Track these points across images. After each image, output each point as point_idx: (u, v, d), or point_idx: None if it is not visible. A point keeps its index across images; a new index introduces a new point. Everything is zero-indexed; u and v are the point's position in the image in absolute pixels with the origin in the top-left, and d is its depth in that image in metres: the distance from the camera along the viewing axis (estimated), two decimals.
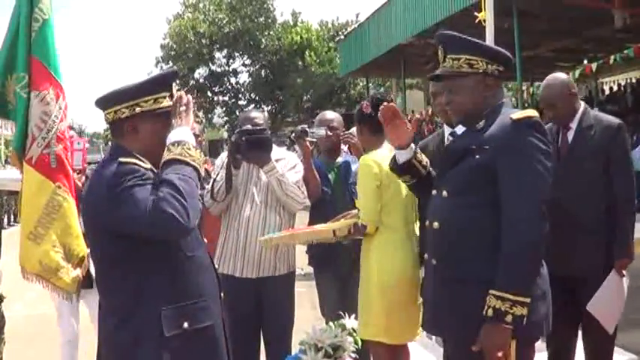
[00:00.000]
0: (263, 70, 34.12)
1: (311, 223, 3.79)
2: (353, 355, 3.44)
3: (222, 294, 2.45)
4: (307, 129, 3.89)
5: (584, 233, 3.37)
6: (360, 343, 3.43)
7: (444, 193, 2.49)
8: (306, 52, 31.27)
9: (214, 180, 3.69)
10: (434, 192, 2.58)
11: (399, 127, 2.75)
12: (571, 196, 3.37)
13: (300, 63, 31.87)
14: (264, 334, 3.76)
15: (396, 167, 2.80)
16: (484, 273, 2.30)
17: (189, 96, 2.37)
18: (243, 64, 35.00)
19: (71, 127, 3.83)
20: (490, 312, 2.26)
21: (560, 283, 3.38)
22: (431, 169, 2.79)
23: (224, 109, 35.23)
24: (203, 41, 32.74)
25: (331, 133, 3.97)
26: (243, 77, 39.92)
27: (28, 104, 3.56)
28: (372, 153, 3.25)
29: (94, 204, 2.23)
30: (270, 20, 33.58)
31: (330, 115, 4.21)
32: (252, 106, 33.01)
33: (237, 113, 29.48)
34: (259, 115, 3.82)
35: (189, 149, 2.23)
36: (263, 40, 33.00)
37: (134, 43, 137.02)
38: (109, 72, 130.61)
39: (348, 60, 20.87)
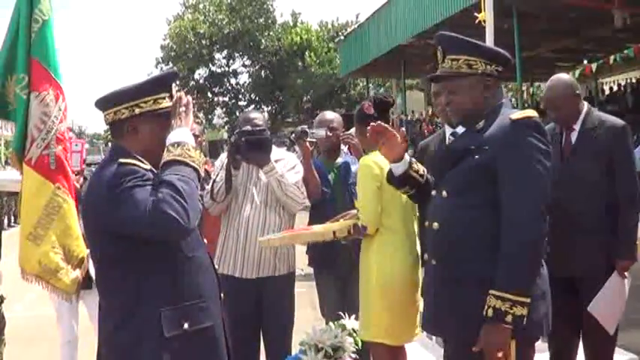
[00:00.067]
0: (263, 71, 34.15)
1: (311, 223, 3.79)
2: (353, 356, 3.44)
3: (222, 294, 2.45)
4: (307, 129, 3.89)
5: (586, 234, 3.36)
6: (360, 343, 3.43)
7: (444, 193, 2.49)
8: (306, 53, 31.29)
9: (214, 181, 3.69)
10: (433, 192, 2.58)
11: (389, 141, 2.72)
12: (573, 197, 3.37)
13: (300, 63, 31.89)
14: (264, 334, 3.76)
15: (394, 180, 2.79)
16: (484, 273, 2.30)
17: (189, 97, 2.37)
18: (243, 65, 35.07)
19: (70, 129, 3.83)
20: (490, 312, 2.26)
21: (562, 283, 3.39)
22: (429, 176, 2.77)
23: (224, 109, 35.27)
24: (203, 42, 32.78)
25: (331, 134, 3.97)
26: (243, 78, 39.97)
27: (28, 105, 3.56)
28: (373, 154, 3.24)
29: (93, 204, 2.23)
30: (270, 21, 33.62)
31: (329, 115, 4.21)
32: (252, 106, 33.07)
33: (238, 114, 29.50)
34: (259, 116, 3.82)
35: (189, 150, 2.23)
36: (263, 40, 33.03)
37: (134, 43, 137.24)
38: (109, 72, 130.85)
39: (348, 60, 20.89)
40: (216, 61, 34.54)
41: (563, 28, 14.32)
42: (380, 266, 3.14)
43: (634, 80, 17.25)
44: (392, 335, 3.16)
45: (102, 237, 2.23)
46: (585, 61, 16.43)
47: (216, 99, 35.27)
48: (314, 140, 3.94)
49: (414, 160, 2.79)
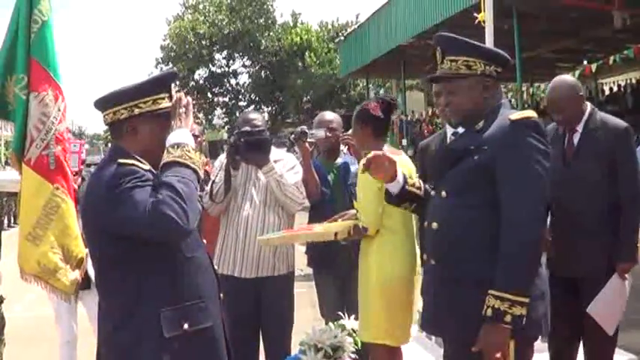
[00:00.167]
0: (263, 71, 34.15)
1: (310, 223, 3.78)
2: (352, 356, 3.44)
3: (221, 295, 2.45)
4: (306, 130, 3.89)
5: (587, 235, 3.36)
6: (359, 343, 3.43)
7: (443, 193, 2.49)
8: (306, 53, 31.28)
9: (213, 181, 3.70)
10: (433, 192, 2.58)
11: (379, 165, 2.65)
12: (575, 198, 3.37)
13: (300, 64, 31.88)
14: (264, 334, 3.77)
15: (393, 200, 2.77)
16: (483, 273, 2.30)
17: (189, 98, 2.38)
18: (243, 65, 35.07)
19: (69, 130, 3.83)
20: (489, 312, 2.26)
21: (563, 283, 3.40)
22: (426, 186, 2.76)
23: (224, 110, 35.27)
24: (203, 42, 32.77)
25: (330, 134, 3.98)
26: (243, 78, 40.01)
27: (27, 105, 3.57)
28: None
29: (93, 205, 2.23)
30: (270, 21, 33.61)
31: (329, 116, 4.21)
32: (252, 107, 33.07)
33: (237, 114, 29.50)
34: (258, 117, 3.82)
35: (188, 152, 2.23)
36: (263, 41, 33.02)
37: (134, 44, 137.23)
38: (109, 73, 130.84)
39: (348, 61, 20.88)
40: (216, 62, 34.54)
41: (563, 29, 14.31)
42: (380, 266, 3.14)
43: (634, 81, 17.22)
44: (392, 336, 3.16)
45: (101, 237, 2.23)
46: (585, 62, 16.40)
47: (216, 99, 35.27)
48: (313, 141, 3.94)
49: (406, 174, 2.76)
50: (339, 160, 4.12)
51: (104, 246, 2.24)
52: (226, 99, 35.37)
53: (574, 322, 3.48)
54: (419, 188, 2.72)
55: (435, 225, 2.50)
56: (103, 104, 2.34)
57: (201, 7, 33.74)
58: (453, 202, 2.45)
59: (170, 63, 32.56)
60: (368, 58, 18.52)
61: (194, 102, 2.40)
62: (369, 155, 2.61)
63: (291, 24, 33.91)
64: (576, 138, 3.47)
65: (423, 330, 2.90)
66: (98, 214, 2.20)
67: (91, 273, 3.42)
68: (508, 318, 2.24)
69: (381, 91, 27.45)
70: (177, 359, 2.19)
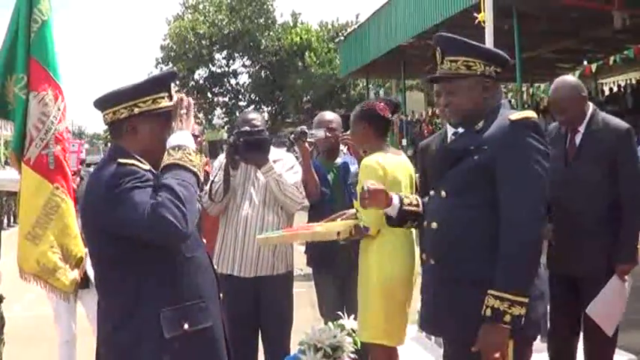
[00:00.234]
0: (263, 71, 34.16)
1: (309, 223, 3.78)
2: (352, 356, 3.44)
3: (220, 295, 2.45)
4: (306, 130, 3.89)
5: (587, 235, 3.37)
6: (359, 343, 3.43)
7: (443, 193, 2.49)
8: (306, 53, 31.29)
9: (212, 181, 3.70)
10: (432, 192, 2.58)
11: (379, 198, 2.64)
12: (576, 198, 3.38)
13: (300, 64, 31.89)
14: (263, 333, 3.77)
15: (394, 222, 2.76)
16: (482, 273, 2.30)
17: (190, 99, 2.37)
18: (243, 65, 35.08)
19: (68, 130, 3.84)
20: (489, 312, 2.26)
21: (564, 282, 3.40)
22: (423, 201, 2.75)
23: (224, 109, 35.28)
24: (203, 42, 32.78)
25: (330, 134, 3.97)
26: (243, 78, 40.00)
27: (27, 105, 3.57)
28: (375, 154, 3.22)
29: (92, 204, 2.23)
30: (270, 21, 33.62)
31: (328, 116, 4.20)
32: (252, 107, 33.08)
33: (237, 114, 29.50)
34: (257, 117, 3.82)
35: (189, 154, 2.23)
36: (263, 41, 33.03)
37: (134, 43, 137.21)
38: (109, 73, 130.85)
39: (348, 61, 20.89)
40: (216, 62, 34.55)
41: (563, 29, 14.32)
42: (380, 266, 3.14)
43: (634, 81, 17.23)
44: (390, 336, 3.16)
45: (100, 237, 2.23)
46: (585, 62, 16.41)
47: (216, 99, 35.28)
48: (313, 141, 3.94)
49: (402, 195, 2.75)
50: (339, 160, 4.12)
51: (103, 246, 2.24)
52: (226, 99, 35.38)
53: (573, 322, 3.48)
54: (417, 205, 2.71)
55: (434, 225, 2.50)
56: (102, 104, 2.34)
57: (201, 6, 33.75)
58: (453, 202, 2.45)
59: (170, 63, 32.58)
60: (368, 58, 18.53)
61: (194, 102, 2.40)
62: (366, 189, 2.60)
63: (291, 24, 33.92)
64: (578, 138, 3.47)
65: (422, 330, 2.89)
66: (97, 213, 2.19)
67: (90, 272, 3.42)
68: (507, 318, 2.24)
69: (381, 91, 27.48)
70: (177, 359, 2.19)
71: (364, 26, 19.21)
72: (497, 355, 2.25)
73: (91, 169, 3.68)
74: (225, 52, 34.35)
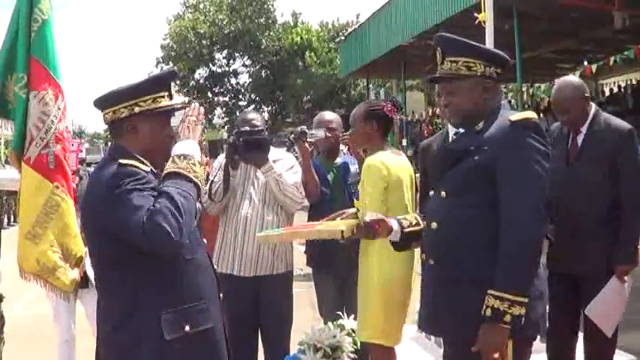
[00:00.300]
0: (263, 71, 34.14)
1: (309, 222, 3.78)
2: (352, 356, 3.44)
3: (221, 295, 2.44)
4: (306, 130, 3.89)
5: (588, 235, 3.37)
6: (358, 343, 3.43)
7: (443, 193, 2.49)
8: (307, 53, 31.26)
9: (212, 181, 3.70)
10: (432, 192, 2.58)
11: (384, 228, 2.59)
12: (577, 198, 3.38)
13: (300, 64, 31.87)
14: (263, 333, 3.77)
15: (399, 246, 2.71)
16: (482, 273, 2.30)
17: (202, 108, 2.38)
18: (244, 65, 35.06)
19: (68, 130, 3.84)
20: (488, 312, 2.26)
21: (564, 282, 3.40)
22: (420, 218, 2.73)
23: (224, 109, 35.26)
24: (203, 42, 32.75)
25: (330, 134, 3.97)
26: (244, 78, 40.00)
27: (27, 104, 3.57)
28: (379, 155, 3.22)
29: (92, 204, 2.23)
30: (270, 21, 33.59)
31: (328, 116, 4.21)
32: (253, 106, 33.06)
33: (238, 114, 29.49)
34: (257, 117, 3.83)
35: (193, 165, 2.23)
36: (263, 40, 33.00)
37: (134, 43, 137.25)
38: (109, 72, 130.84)
39: (348, 61, 20.87)
40: (216, 61, 34.53)
41: (563, 29, 14.30)
42: (381, 266, 3.14)
43: (634, 81, 17.22)
44: (388, 336, 3.17)
45: (100, 237, 2.23)
46: (585, 62, 16.40)
47: (216, 99, 35.25)
48: (313, 141, 3.94)
49: (401, 218, 2.71)
50: (339, 160, 4.12)
51: (103, 246, 2.24)
52: (226, 98, 35.36)
53: (573, 321, 3.49)
54: (417, 224, 2.66)
55: (434, 225, 2.50)
56: (102, 103, 2.34)
57: (201, 6, 33.72)
58: (453, 202, 2.45)
59: (170, 62, 32.55)
60: (368, 58, 18.51)
61: (194, 102, 2.40)
62: (374, 221, 2.53)
63: (292, 24, 33.89)
64: (580, 139, 3.48)
65: (422, 330, 2.89)
66: (97, 213, 2.19)
67: (90, 272, 3.42)
68: (507, 318, 2.24)
69: (381, 91, 27.46)
70: None
71: (364, 26, 19.19)
72: (496, 355, 2.25)
73: (92, 169, 3.68)
74: (225, 52, 34.33)
